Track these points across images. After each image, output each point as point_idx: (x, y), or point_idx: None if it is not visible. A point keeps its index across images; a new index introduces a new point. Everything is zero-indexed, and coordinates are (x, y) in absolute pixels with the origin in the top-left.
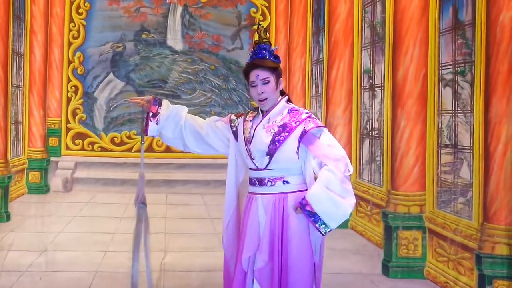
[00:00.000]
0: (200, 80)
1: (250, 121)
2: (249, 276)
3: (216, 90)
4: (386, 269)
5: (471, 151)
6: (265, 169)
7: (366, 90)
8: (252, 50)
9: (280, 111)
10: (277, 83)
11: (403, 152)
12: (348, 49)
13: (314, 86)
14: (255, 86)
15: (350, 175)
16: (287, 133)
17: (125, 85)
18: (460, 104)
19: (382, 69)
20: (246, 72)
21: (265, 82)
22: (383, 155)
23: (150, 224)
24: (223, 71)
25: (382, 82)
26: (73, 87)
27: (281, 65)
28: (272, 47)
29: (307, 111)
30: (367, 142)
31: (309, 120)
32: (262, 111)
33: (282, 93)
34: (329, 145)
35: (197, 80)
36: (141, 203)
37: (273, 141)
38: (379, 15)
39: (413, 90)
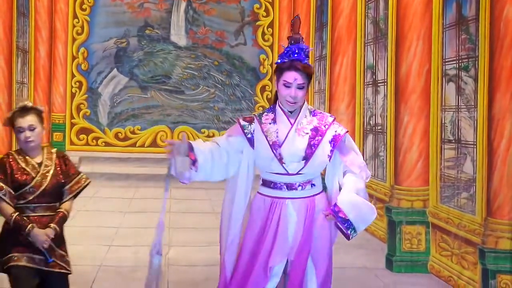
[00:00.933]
0: (204, 75)
1: (270, 123)
2: (273, 279)
3: (220, 86)
4: (389, 264)
5: (475, 146)
6: (297, 174)
7: (369, 86)
8: (289, 45)
9: (304, 114)
10: (308, 89)
11: (407, 147)
12: (351, 45)
13: (317, 82)
14: (289, 87)
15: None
16: (320, 137)
17: (129, 80)
18: (463, 100)
19: (385, 64)
20: (282, 69)
21: (301, 87)
22: (386, 151)
23: (162, 274)
24: (227, 66)
25: (385, 77)
26: (77, 83)
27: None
28: (305, 45)
29: (329, 114)
30: (370, 137)
31: (337, 124)
32: (284, 112)
33: None
34: (355, 151)
35: (201, 76)
36: (158, 254)
37: (309, 145)
38: (382, 11)
39: (416, 86)
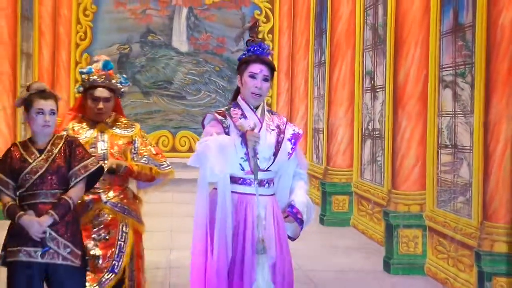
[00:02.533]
0: (205, 81)
1: (240, 118)
2: (250, 275)
3: (221, 91)
4: (387, 266)
5: (471, 151)
6: (266, 170)
7: (368, 91)
8: (253, 43)
9: (264, 112)
10: (270, 86)
11: (404, 152)
12: (350, 51)
13: (316, 87)
14: (255, 78)
15: None
16: (283, 135)
17: (132, 86)
18: (460, 105)
19: (384, 70)
20: (247, 62)
21: (265, 79)
22: (384, 155)
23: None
24: (227, 72)
25: (384, 83)
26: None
27: (284, 66)
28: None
29: (278, 114)
30: (368, 142)
31: (291, 124)
32: (250, 107)
33: None
34: (302, 152)
35: (202, 81)
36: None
37: (277, 142)
38: (380, 18)
39: (414, 92)
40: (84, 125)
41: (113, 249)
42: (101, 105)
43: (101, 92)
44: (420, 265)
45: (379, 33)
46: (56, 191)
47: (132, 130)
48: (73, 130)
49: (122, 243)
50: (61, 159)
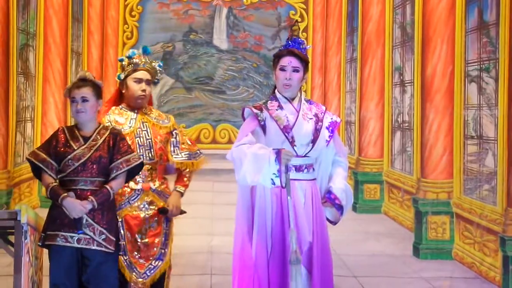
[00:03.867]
0: (243, 77)
1: (277, 109)
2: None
3: (258, 86)
4: (416, 251)
5: (496, 142)
6: (304, 156)
7: (397, 86)
8: (288, 39)
9: (302, 103)
10: (303, 77)
11: (432, 143)
12: (380, 48)
13: (348, 82)
14: (284, 70)
15: None
16: (321, 123)
17: (175, 82)
18: (485, 99)
19: (412, 66)
20: (279, 56)
21: (295, 70)
22: (413, 146)
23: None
24: (264, 68)
25: (412, 78)
26: None
27: (318, 62)
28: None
29: (319, 103)
30: (398, 134)
31: (330, 113)
32: (287, 99)
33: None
34: (341, 140)
35: (241, 77)
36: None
37: (315, 129)
38: (408, 17)
39: (440, 86)
40: (125, 116)
41: (160, 238)
42: (144, 86)
43: (144, 74)
44: (447, 250)
45: (407, 31)
46: (95, 179)
47: (169, 121)
48: (116, 122)
49: (167, 232)
50: (104, 150)
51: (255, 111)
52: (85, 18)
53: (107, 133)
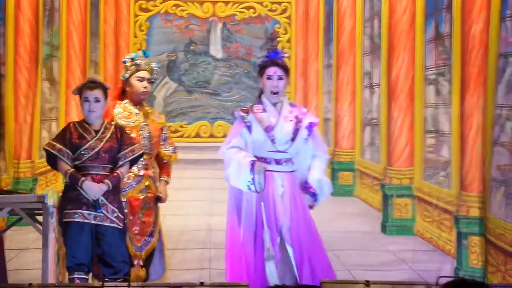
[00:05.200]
0: (236, 81)
1: (262, 112)
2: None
3: (249, 89)
4: (384, 228)
5: (450, 136)
6: (284, 151)
7: (367, 88)
8: (269, 50)
9: (286, 106)
10: (287, 83)
11: (397, 136)
12: (352, 56)
13: (326, 85)
14: (271, 79)
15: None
16: (300, 124)
17: (178, 86)
18: (441, 99)
19: (379, 71)
20: (264, 67)
21: (280, 79)
22: (380, 139)
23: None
24: (254, 74)
25: (379, 81)
26: None
27: (300, 68)
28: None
29: (303, 106)
30: (368, 129)
31: (309, 113)
32: (272, 103)
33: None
34: (320, 138)
35: (234, 81)
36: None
37: (295, 129)
38: (376, 29)
39: (403, 88)
40: (129, 111)
41: (152, 218)
42: (145, 84)
43: (145, 73)
44: (410, 227)
45: (375, 41)
46: (107, 166)
47: (161, 119)
48: (123, 116)
49: (157, 212)
50: (113, 141)
51: (242, 114)
52: (101, 33)
53: (113, 127)
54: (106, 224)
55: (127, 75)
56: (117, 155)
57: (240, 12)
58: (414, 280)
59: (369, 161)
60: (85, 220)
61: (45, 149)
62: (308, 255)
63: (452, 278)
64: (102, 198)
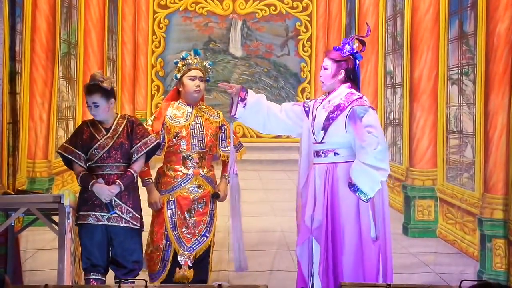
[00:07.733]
0: (256, 80)
1: (320, 102)
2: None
3: (268, 88)
4: (406, 230)
5: (474, 136)
6: (320, 142)
7: (389, 88)
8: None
9: (339, 95)
10: (336, 73)
11: (419, 137)
12: (374, 55)
13: None
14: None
15: (381, 150)
16: (340, 112)
17: None
18: (464, 99)
19: (402, 70)
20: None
21: (324, 69)
22: (402, 140)
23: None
24: (274, 73)
25: (402, 81)
26: (155, 86)
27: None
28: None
29: (360, 94)
30: (390, 129)
31: (358, 101)
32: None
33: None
34: (368, 125)
35: (253, 80)
36: (234, 174)
37: (327, 118)
38: (399, 27)
39: (426, 88)
40: (182, 110)
41: (206, 217)
42: (198, 83)
43: (197, 72)
44: (432, 229)
45: (397, 40)
46: (120, 164)
47: (219, 117)
48: (174, 115)
49: (213, 212)
50: (124, 137)
51: (307, 100)
52: (119, 30)
53: (125, 121)
54: (120, 225)
55: (179, 75)
56: (130, 150)
57: (261, 9)
58: (436, 283)
59: (391, 162)
60: (99, 222)
61: (58, 152)
62: (333, 258)
63: (476, 282)
64: (116, 199)
